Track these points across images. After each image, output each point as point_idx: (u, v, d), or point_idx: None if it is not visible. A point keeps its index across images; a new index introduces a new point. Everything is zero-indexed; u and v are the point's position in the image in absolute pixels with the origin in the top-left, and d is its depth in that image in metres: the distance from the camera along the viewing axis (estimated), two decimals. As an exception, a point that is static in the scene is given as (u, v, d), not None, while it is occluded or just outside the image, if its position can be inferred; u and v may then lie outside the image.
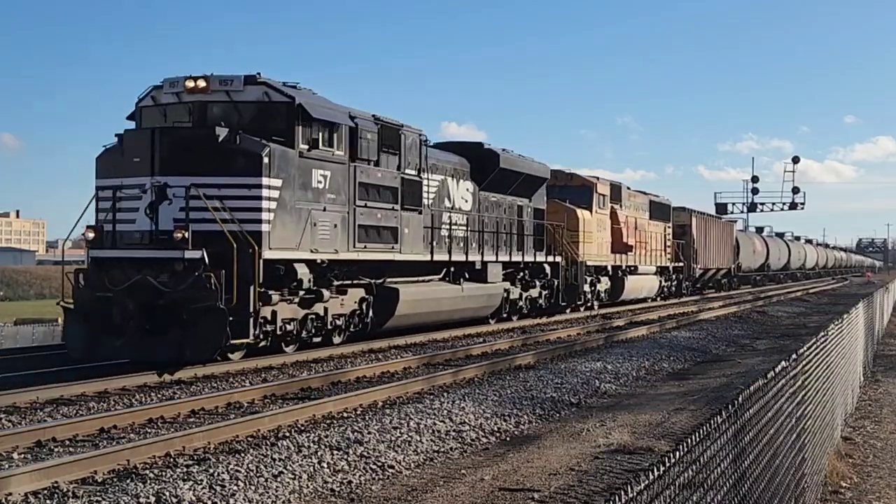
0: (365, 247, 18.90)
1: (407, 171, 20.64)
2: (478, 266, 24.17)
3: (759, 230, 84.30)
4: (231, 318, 14.76)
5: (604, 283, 34.35)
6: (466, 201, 23.97)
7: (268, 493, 8.18)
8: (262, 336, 16.02)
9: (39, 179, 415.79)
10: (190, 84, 16.57)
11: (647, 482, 3.37)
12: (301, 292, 17.05)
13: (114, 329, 14.98)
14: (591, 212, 32.88)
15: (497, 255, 25.21)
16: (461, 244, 23.41)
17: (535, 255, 27.83)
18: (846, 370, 12.62)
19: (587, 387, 15.01)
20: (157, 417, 11.40)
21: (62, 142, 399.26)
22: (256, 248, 15.39)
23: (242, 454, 9.34)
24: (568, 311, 31.05)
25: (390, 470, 9.30)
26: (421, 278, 21.73)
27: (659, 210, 42.03)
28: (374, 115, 19.45)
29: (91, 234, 15.92)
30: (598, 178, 34.45)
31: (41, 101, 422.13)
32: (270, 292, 16.06)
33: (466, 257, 23.59)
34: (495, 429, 11.49)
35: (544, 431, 11.60)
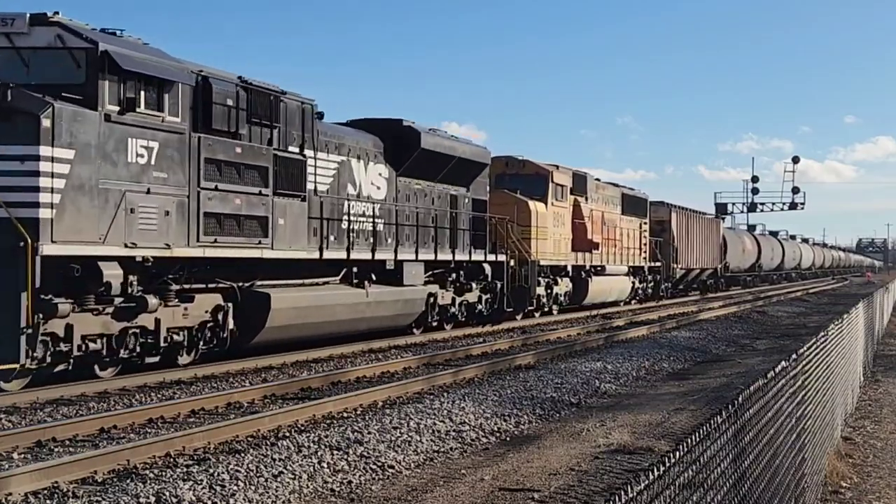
0: (215, 241, 15.06)
1: (288, 147, 16.97)
2: (390, 266, 20.19)
3: (752, 228, 79.47)
4: None
5: (563, 285, 30.30)
6: (379, 188, 20.23)
7: (268, 493, 8.18)
8: (49, 359, 12.60)
9: None
10: None
11: (647, 482, 3.37)
12: (117, 300, 13.51)
13: None
14: (546, 204, 28.89)
15: (418, 253, 21.24)
16: (368, 239, 19.57)
17: (471, 253, 23.59)
18: (846, 370, 12.62)
19: (587, 387, 15.01)
20: (157, 417, 11.39)
21: None
22: (31, 240, 11.92)
23: (242, 454, 9.34)
24: (519, 317, 26.92)
25: (390, 470, 9.30)
26: (308, 281, 17.84)
27: (633, 204, 37.93)
28: (239, 77, 15.86)
29: None
30: (557, 167, 30.30)
31: None
32: (57, 301, 12.56)
33: (373, 255, 19.59)
34: (495, 429, 11.49)
35: (544, 431, 11.60)
